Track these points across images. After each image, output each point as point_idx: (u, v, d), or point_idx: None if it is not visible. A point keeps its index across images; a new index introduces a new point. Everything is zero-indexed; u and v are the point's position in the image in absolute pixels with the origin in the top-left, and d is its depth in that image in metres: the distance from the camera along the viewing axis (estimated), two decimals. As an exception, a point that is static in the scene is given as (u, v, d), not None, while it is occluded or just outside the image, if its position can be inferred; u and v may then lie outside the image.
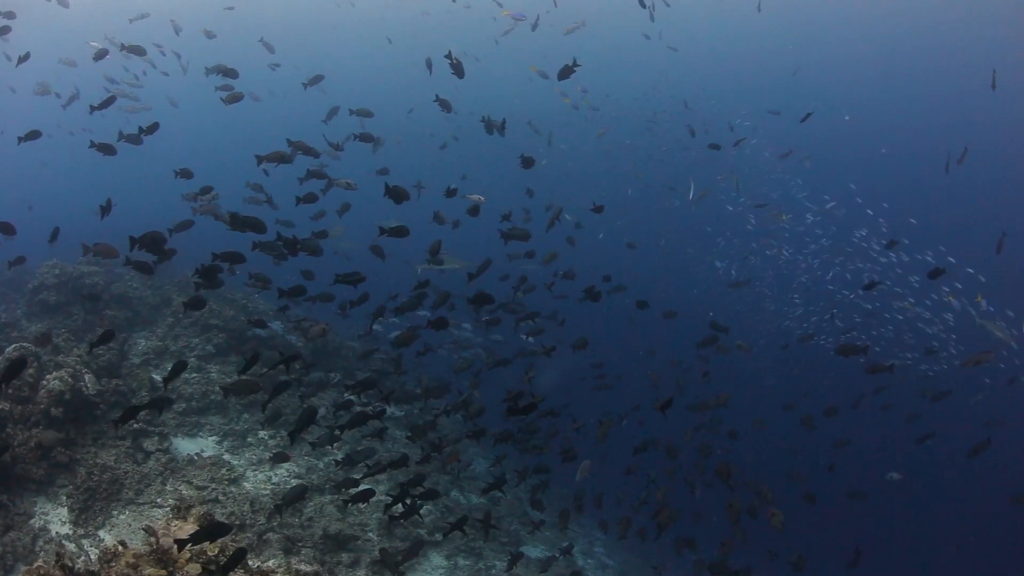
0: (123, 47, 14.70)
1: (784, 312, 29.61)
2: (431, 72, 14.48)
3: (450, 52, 11.66)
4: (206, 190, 13.87)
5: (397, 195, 10.26)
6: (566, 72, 12.18)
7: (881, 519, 23.96)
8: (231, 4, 30.99)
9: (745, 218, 29.13)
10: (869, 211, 25.37)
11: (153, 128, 12.28)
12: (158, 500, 10.24)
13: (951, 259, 21.04)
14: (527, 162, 12.98)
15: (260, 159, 11.21)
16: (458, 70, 11.73)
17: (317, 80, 16.81)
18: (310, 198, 11.97)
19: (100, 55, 14.72)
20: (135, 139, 12.26)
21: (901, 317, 23.68)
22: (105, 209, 10.98)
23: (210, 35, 19.63)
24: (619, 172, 38.73)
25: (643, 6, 15.43)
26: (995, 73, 16.27)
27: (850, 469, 16.23)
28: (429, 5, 42.77)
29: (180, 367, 9.30)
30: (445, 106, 12.83)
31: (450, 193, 12.54)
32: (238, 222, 9.60)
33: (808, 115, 17.06)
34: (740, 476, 11.75)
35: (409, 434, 12.79)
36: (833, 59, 58.35)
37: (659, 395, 15.94)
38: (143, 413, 11.51)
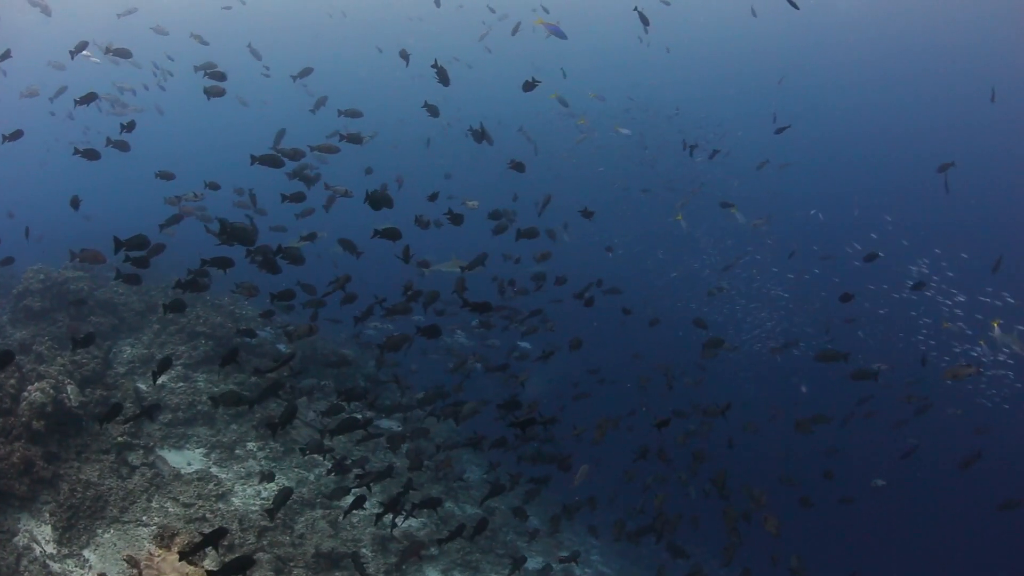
0: (108, 50, 14.44)
1: (769, 320, 29.50)
2: (407, 63, 14.69)
3: (436, 61, 11.71)
4: (213, 186, 14.05)
5: (375, 202, 10.01)
6: (528, 87, 12.58)
7: (878, 523, 23.86)
8: (228, 4, 30.59)
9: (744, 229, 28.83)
10: (905, 241, 25.21)
11: (131, 126, 12.22)
12: (143, 518, 9.90)
13: (1011, 299, 21.09)
14: (518, 167, 13.13)
15: (254, 159, 11.06)
16: (443, 77, 11.76)
17: (306, 73, 16.65)
18: (297, 197, 11.86)
19: (79, 48, 14.51)
20: (123, 145, 12.32)
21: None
22: (74, 204, 10.91)
23: (201, 41, 19.29)
24: (597, 176, 38.50)
25: (645, 24, 15.35)
26: (994, 90, 16.20)
27: (842, 474, 16.03)
28: (420, 11, 42.49)
29: (166, 363, 9.55)
30: (433, 112, 12.81)
31: (432, 197, 12.56)
32: (226, 235, 9.39)
33: (784, 127, 16.81)
34: (734, 480, 11.62)
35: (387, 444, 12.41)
36: (829, 63, 58.37)
37: (647, 399, 15.96)
38: (129, 425, 11.22)
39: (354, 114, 14.64)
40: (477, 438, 11.34)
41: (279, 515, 10.64)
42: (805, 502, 13.68)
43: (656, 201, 31.96)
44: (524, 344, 16.76)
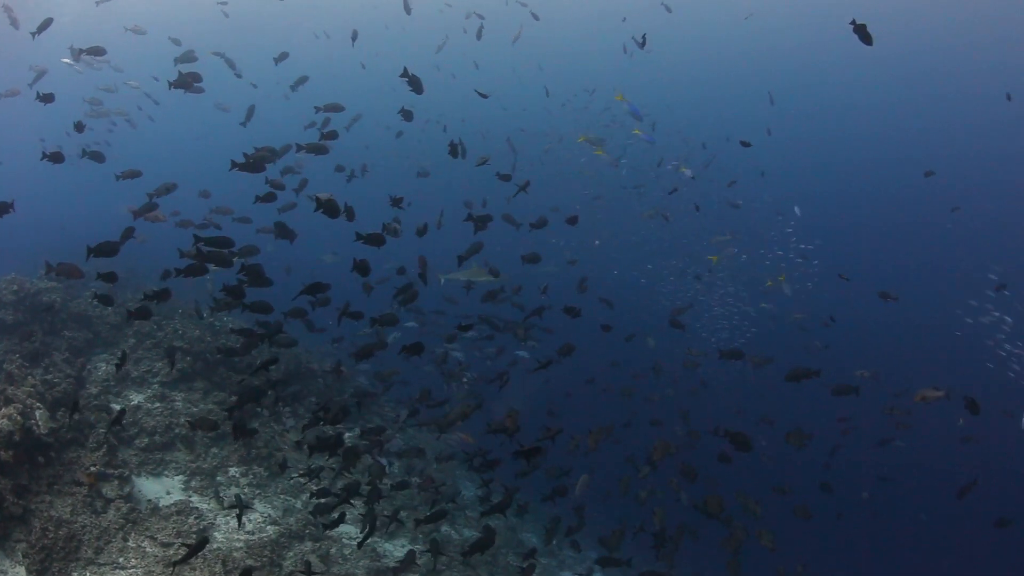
0: (81, 51, 14.14)
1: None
2: (353, 43, 15.56)
3: (405, 69, 11.61)
4: (205, 194, 14.84)
5: (330, 210, 9.62)
6: (482, 96, 13.67)
7: (873, 530, 23.65)
8: (222, 5, 30.04)
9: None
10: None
11: (80, 127, 12.39)
12: (119, 560, 9.23)
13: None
14: (505, 178, 13.70)
15: (234, 165, 10.58)
16: (416, 86, 11.70)
17: (283, 57, 16.66)
18: (269, 197, 11.52)
19: (44, 25, 14.35)
20: (98, 156, 12.23)
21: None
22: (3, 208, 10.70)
23: (176, 42, 18.73)
24: (568, 183, 38.04)
25: (642, 46, 15.28)
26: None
27: (835, 482, 15.75)
28: (405, 22, 41.86)
29: (123, 359, 10.07)
30: (407, 116, 12.81)
31: (395, 202, 12.40)
32: (201, 256, 8.89)
33: (748, 144, 16.54)
34: (727, 488, 11.53)
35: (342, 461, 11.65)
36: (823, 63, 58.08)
37: (634, 406, 15.62)
38: (102, 453, 10.58)
39: (335, 108, 14.22)
40: (476, 453, 11.05)
41: (267, 552, 10.05)
42: (804, 513, 13.38)
43: (624, 207, 31.60)
44: (521, 353, 16.42)
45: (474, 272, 13.22)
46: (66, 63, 17.58)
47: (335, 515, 9.50)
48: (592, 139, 15.69)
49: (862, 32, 9.78)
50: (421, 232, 12.13)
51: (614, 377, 18.38)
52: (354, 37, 15.64)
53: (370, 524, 9.03)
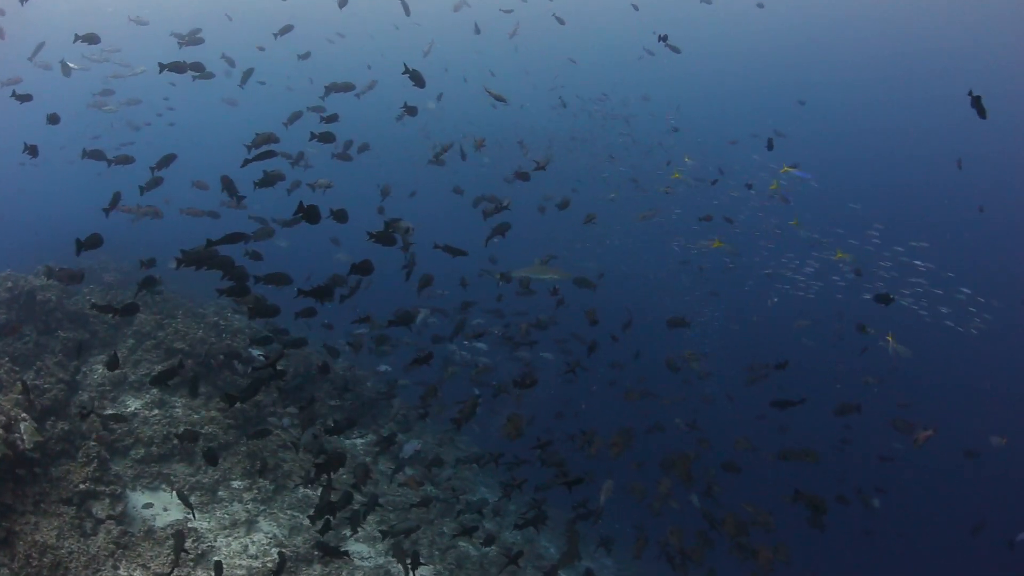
0: (76, 38, 13.85)
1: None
2: (341, 8, 16.02)
3: (405, 65, 11.66)
4: (201, 185, 14.68)
5: (310, 216, 8.98)
6: (498, 98, 13.40)
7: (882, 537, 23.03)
8: (230, 14, 29.84)
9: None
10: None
11: (55, 119, 12.35)
12: (108, 592, 8.42)
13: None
14: (523, 177, 13.80)
15: (247, 161, 10.39)
16: (417, 80, 11.68)
17: (287, 30, 16.43)
18: (267, 181, 10.99)
19: None
20: (98, 155, 11.88)
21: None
22: None
23: (179, 36, 18.30)
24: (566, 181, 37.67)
25: (675, 52, 15.22)
26: None
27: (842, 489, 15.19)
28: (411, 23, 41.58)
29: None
30: (411, 112, 13.21)
31: (385, 192, 12.54)
32: (188, 261, 8.14)
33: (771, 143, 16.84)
34: (734, 496, 11.29)
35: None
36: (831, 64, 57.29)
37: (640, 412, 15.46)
38: (92, 469, 9.75)
39: (346, 87, 13.96)
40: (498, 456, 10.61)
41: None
42: (818, 523, 12.77)
43: (616, 204, 31.11)
44: (546, 355, 16.57)
45: (536, 269, 12.86)
46: (71, 66, 17.29)
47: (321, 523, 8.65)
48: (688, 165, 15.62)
49: (978, 105, 9.70)
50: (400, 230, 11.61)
51: (618, 378, 17.94)
52: (342, 4, 15.79)
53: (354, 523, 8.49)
